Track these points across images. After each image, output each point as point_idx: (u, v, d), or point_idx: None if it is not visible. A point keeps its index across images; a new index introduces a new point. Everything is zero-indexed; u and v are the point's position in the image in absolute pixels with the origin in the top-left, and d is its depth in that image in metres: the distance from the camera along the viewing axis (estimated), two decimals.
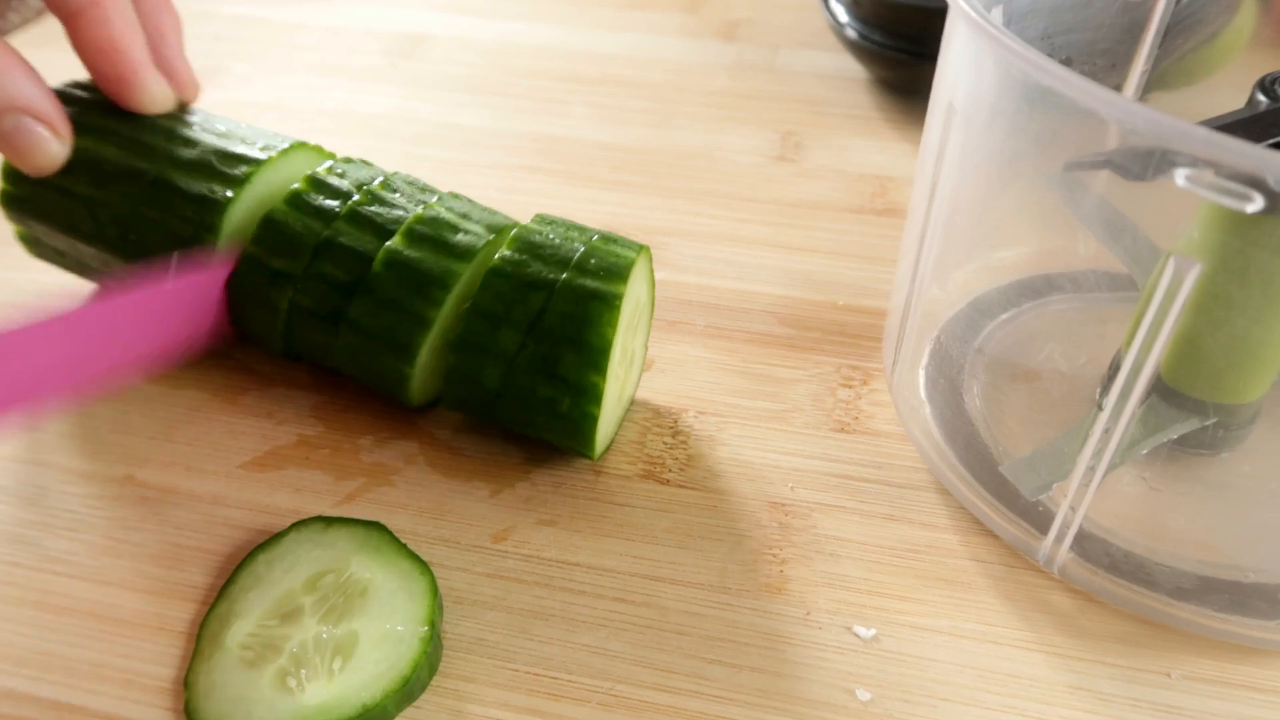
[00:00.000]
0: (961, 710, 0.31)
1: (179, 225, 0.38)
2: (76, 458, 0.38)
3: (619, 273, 0.35)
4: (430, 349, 0.36)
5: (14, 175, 0.40)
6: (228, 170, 0.38)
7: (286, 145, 0.39)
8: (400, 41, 0.66)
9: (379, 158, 0.51)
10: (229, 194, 0.38)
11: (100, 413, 0.40)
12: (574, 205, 0.51)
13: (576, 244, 0.36)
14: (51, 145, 0.38)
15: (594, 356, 0.34)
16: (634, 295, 0.36)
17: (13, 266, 0.46)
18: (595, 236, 0.36)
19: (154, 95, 0.40)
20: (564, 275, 0.35)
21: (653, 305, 0.39)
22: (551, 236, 0.36)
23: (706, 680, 0.31)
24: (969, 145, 0.32)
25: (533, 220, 0.37)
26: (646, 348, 0.41)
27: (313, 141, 0.41)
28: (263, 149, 0.39)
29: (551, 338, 0.34)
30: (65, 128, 0.38)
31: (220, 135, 0.40)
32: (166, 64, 0.40)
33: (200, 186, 0.38)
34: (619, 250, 0.36)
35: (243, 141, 0.39)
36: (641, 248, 0.36)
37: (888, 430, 0.39)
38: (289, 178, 0.39)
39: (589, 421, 0.34)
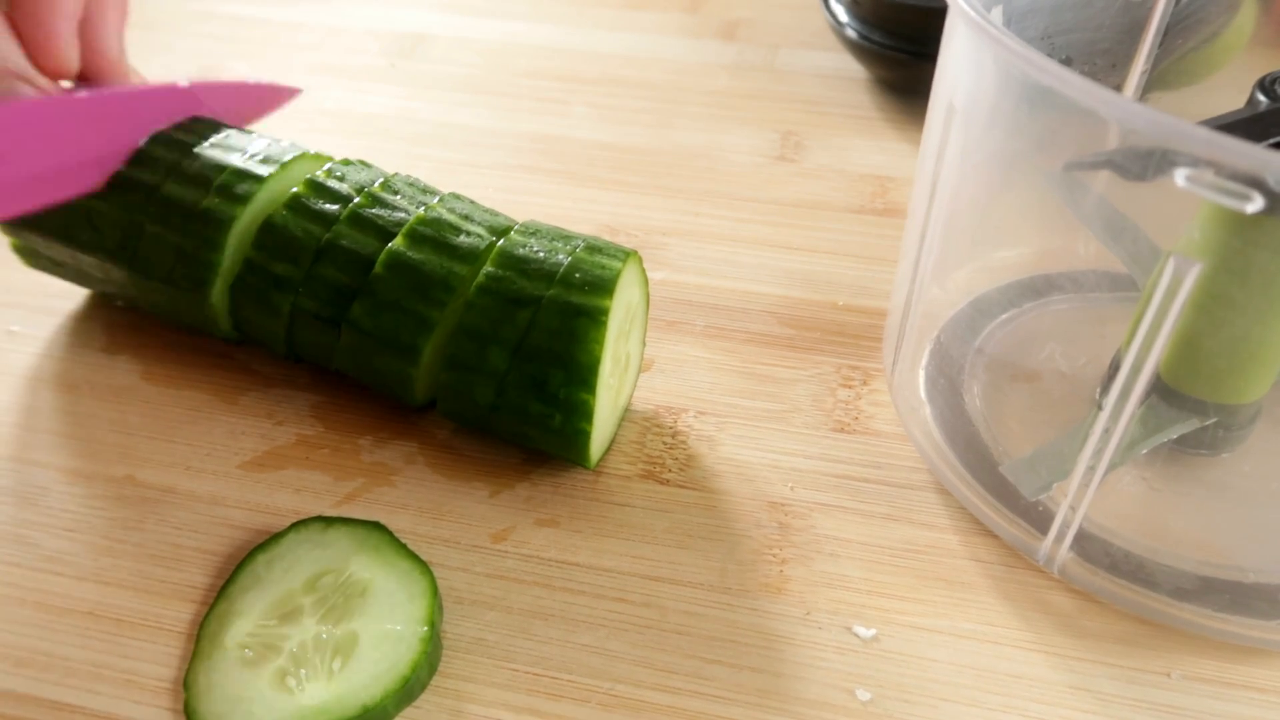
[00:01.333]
0: (961, 710, 0.31)
1: (182, 240, 0.38)
2: (76, 458, 0.38)
3: (605, 286, 0.34)
4: (433, 349, 0.36)
5: None
6: (232, 186, 0.38)
7: (289, 158, 0.39)
8: (400, 41, 0.66)
9: (379, 158, 0.51)
10: (233, 213, 0.38)
11: (100, 413, 0.40)
12: (574, 205, 0.51)
13: (561, 255, 0.35)
14: None
15: (583, 374, 0.34)
16: (623, 303, 0.36)
17: (13, 266, 0.46)
18: (580, 246, 0.36)
19: (64, 56, 0.39)
20: (550, 291, 0.34)
21: (647, 305, 0.39)
22: (536, 249, 0.36)
23: (706, 680, 0.31)
24: (969, 145, 0.32)
25: (516, 231, 0.37)
26: (644, 346, 0.41)
27: (313, 141, 0.41)
28: (263, 161, 0.39)
29: (540, 356, 0.34)
30: (58, 95, 0.39)
31: (224, 148, 0.40)
32: (101, 43, 0.40)
33: (205, 202, 0.38)
34: (604, 260, 0.35)
35: (243, 153, 0.39)
36: (629, 254, 0.36)
37: (888, 430, 0.39)
38: (291, 184, 0.39)
39: (582, 437, 0.34)
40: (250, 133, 0.41)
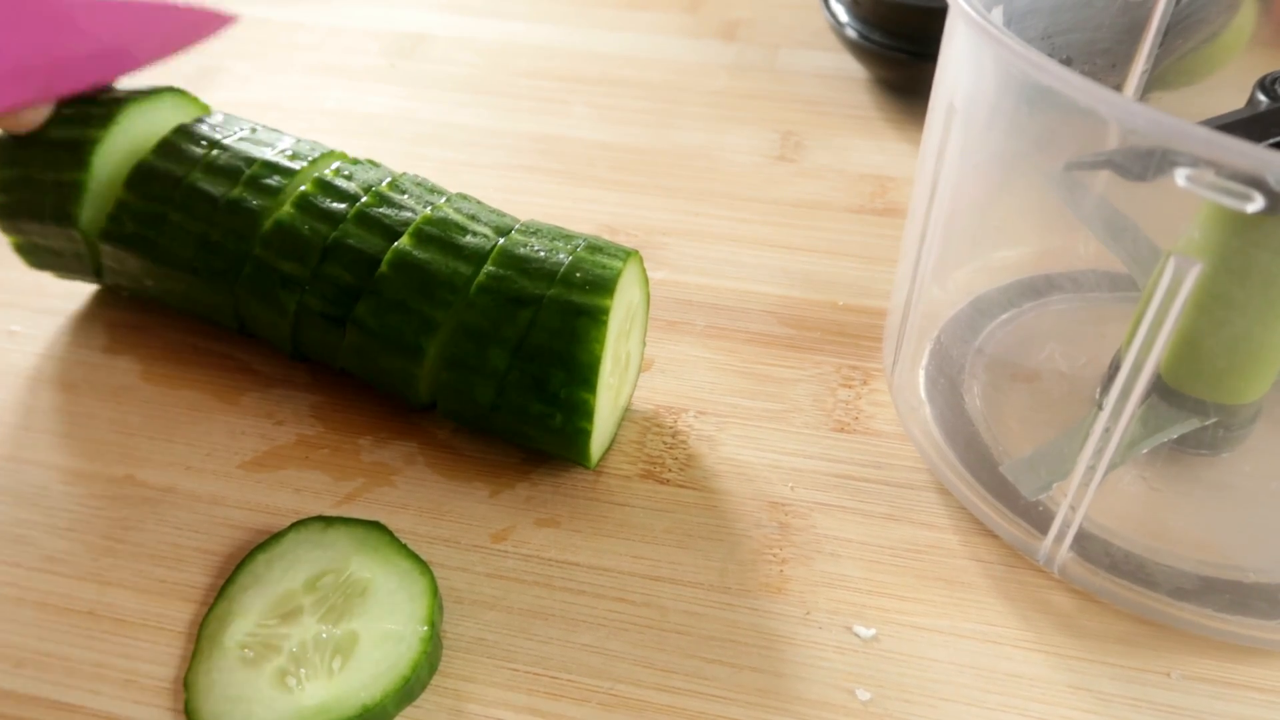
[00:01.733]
0: (961, 710, 0.31)
1: (208, 229, 0.38)
2: (76, 458, 0.38)
3: (605, 285, 0.34)
4: (438, 348, 0.36)
5: (5, 184, 0.40)
6: (262, 178, 0.39)
7: (317, 155, 0.40)
8: (400, 41, 0.66)
9: (379, 158, 0.51)
10: (265, 204, 0.38)
11: (100, 413, 0.40)
12: (574, 205, 0.51)
13: (562, 255, 0.35)
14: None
15: (584, 373, 0.34)
16: (624, 303, 0.36)
17: (13, 266, 0.46)
18: (581, 245, 0.36)
19: None
20: (550, 290, 0.34)
21: (647, 305, 0.39)
22: (537, 248, 0.36)
23: (706, 680, 0.31)
24: (969, 145, 0.32)
25: (517, 230, 0.37)
26: (644, 346, 0.41)
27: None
28: (293, 157, 0.40)
29: (540, 355, 0.34)
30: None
31: (253, 143, 0.40)
32: None
33: (235, 193, 0.38)
34: (605, 260, 0.35)
35: (272, 148, 0.40)
36: (630, 253, 0.36)
37: (888, 430, 0.39)
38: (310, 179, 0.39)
39: (582, 436, 0.34)
40: (276, 130, 0.42)
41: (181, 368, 0.42)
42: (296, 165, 0.39)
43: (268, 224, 0.38)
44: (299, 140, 0.41)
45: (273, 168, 0.39)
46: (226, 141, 0.40)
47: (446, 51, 0.65)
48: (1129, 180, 0.27)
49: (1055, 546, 0.33)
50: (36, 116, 0.39)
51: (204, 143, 0.40)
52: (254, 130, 0.41)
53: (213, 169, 0.39)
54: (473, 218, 0.37)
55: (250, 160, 0.39)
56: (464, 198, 0.39)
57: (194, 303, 0.40)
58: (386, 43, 0.66)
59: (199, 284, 0.39)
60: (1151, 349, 0.28)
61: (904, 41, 0.56)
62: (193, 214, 0.38)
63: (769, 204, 0.51)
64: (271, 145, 0.40)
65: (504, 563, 0.35)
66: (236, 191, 0.38)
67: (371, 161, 0.40)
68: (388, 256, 0.36)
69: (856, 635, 0.33)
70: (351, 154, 0.41)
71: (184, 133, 0.40)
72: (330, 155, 0.40)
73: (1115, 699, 0.31)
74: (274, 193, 0.38)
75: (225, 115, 0.42)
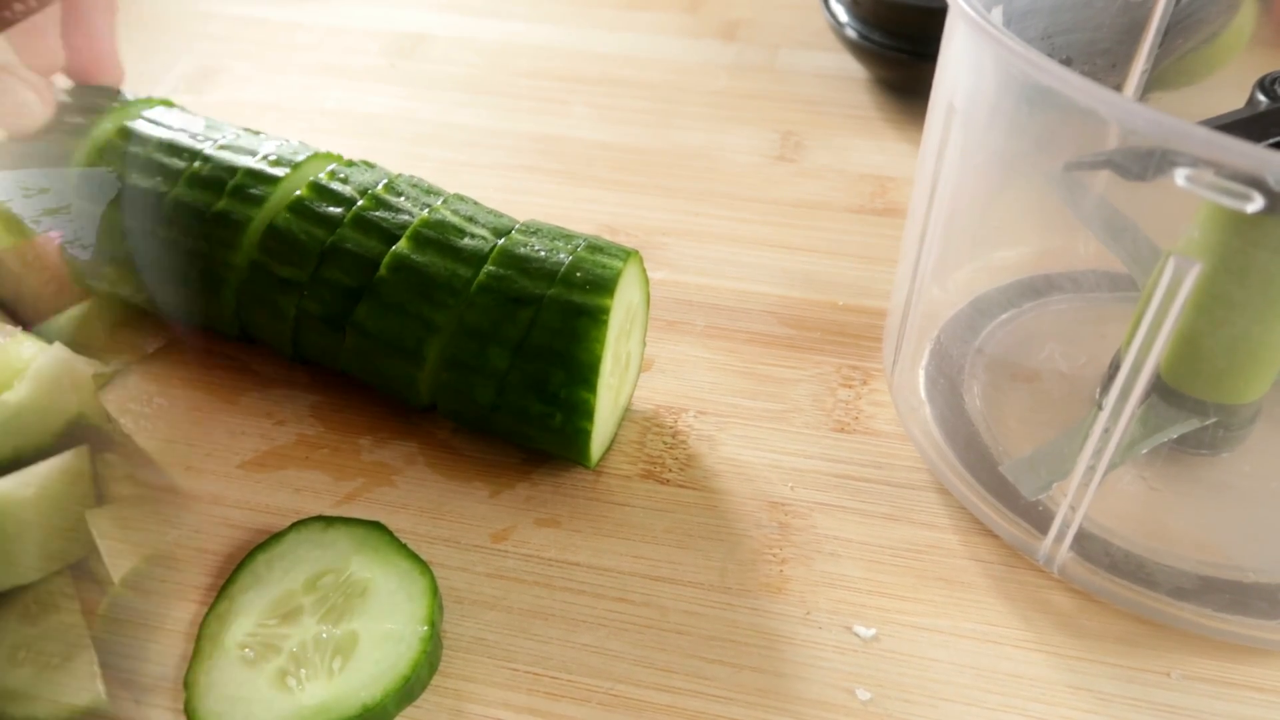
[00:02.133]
0: (961, 710, 0.31)
1: (197, 243, 0.38)
2: None
3: (605, 285, 0.34)
4: (438, 351, 0.36)
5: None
6: (246, 188, 0.38)
7: (300, 159, 0.39)
8: (400, 41, 0.66)
9: (379, 158, 0.51)
10: (249, 215, 0.38)
11: None
12: (574, 205, 0.51)
13: (562, 255, 0.35)
14: (34, 108, 0.39)
15: (584, 373, 0.34)
16: (624, 303, 0.36)
17: None
18: (581, 245, 0.36)
19: (49, 51, 0.40)
20: (550, 290, 0.34)
21: (647, 305, 0.39)
22: (537, 248, 0.36)
23: (706, 680, 0.31)
24: (969, 145, 0.32)
25: (517, 230, 0.37)
26: (644, 346, 0.41)
27: (313, 141, 0.41)
28: (275, 163, 0.39)
29: (541, 355, 0.34)
30: (48, 93, 0.39)
31: (235, 151, 0.40)
32: (91, 37, 0.41)
33: (220, 205, 0.38)
34: (605, 260, 0.35)
35: (254, 155, 0.39)
36: (630, 253, 0.36)
37: (888, 430, 0.39)
38: (302, 183, 0.39)
39: (583, 436, 0.34)
40: (259, 134, 0.41)
41: (181, 368, 0.42)
42: (279, 171, 0.39)
43: (264, 229, 0.38)
44: (282, 143, 0.40)
45: (256, 175, 0.39)
46: (208, 151, 0.40)
47: (446, 51, 0.65)
48: (1129, 180, 0.27)
49: (1055, 546, 0.33)
50: (36, 122, 0.39)
51: (186, 154, 0.40)
52: (238, 136, 0.41)
53: (196, 182, 0.39)
54: (470, 219, 0.37)
55: (233, 170, 0.39)
56: (461, 199, 0.39)
57: (191, 314, 0.40)
58: (386, 43, 0.66)
59: (193, 296, 0.39)
60: (1151, 349, 0.28)
61: (904, 41, 0.56)
62: (181, 229, 0.38)
63: (769, 204, 0.51)
64: (253, 152, 0.40)
65: (504, 563, 0.35)
66: (222, 203, 0.38)
67: (367, 163, 0.40)
68: (386, 260, 0.36)
69: (856, 635, 0.33)
70: (351, 155, 0.41)
71: (168, 147, 0.40)
72: (316, 157, 0.40)
73: (1115, 699, 0.31)
74: (259, 201, 0.38)
75: (208, 120, 0.42)
